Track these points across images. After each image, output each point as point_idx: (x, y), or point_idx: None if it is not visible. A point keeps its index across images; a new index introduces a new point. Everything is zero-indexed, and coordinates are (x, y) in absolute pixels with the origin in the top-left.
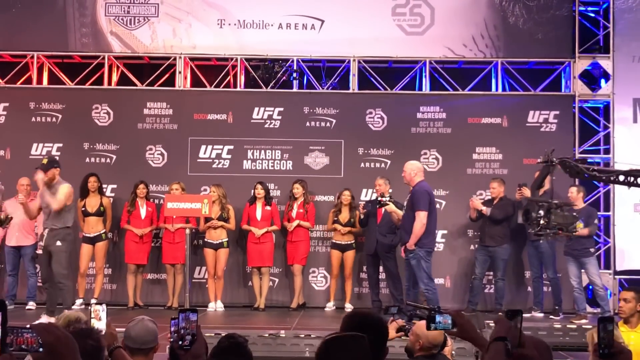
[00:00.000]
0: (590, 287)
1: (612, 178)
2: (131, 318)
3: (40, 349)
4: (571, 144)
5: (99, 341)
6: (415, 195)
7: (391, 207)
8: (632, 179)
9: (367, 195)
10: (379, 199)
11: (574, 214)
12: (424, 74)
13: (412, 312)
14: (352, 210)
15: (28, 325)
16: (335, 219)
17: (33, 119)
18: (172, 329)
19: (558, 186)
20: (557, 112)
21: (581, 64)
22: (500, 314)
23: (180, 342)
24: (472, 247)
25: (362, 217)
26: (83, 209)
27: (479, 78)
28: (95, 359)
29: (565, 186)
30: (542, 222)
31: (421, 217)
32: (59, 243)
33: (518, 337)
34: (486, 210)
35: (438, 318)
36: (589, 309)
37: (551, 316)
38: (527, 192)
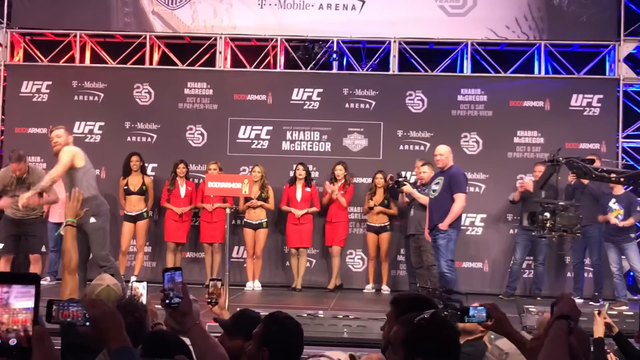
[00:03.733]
0: (631, 273)
1: (621, 179)
2: None
3: (87, 323)
4: (615, 128)
5: (142, 316)
6: (455, 178)
7: (408, 187)
8: None
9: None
10: (398, 179)
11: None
12: (465, 56)
13: (447, 300)
14: (386, 193)
15: (76, 299)
16: (370, 200)
17: (75, 98)
18: (167, 285)
19: None
20: (601, 96)
21: (626, 47)
22: (562, 292)
23: (167, 301)
24: (511, 231)
25: (392, 184)
26: (125, 187)
27: (521, 60)
28: (138, 334)
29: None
30: (548, 224)
31: (462, 199)
32: (92, 220)
33: (579, 315)
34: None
35: (472, 311)
36: (629, 295)
37: (591, 302)
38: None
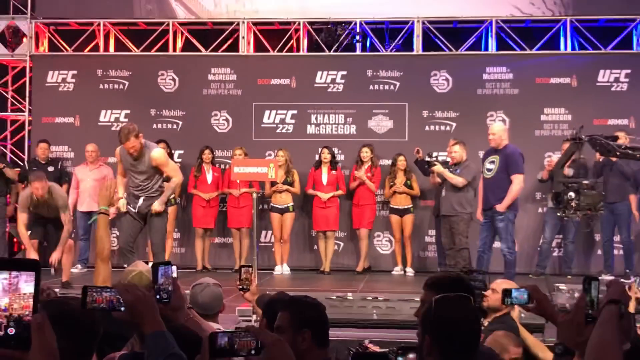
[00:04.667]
0: None
1: None
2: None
3: (122, 308)
4: None
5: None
6: (511, 158)
7: (439, 167)
8: None
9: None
10: (428, 159)
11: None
12: (490, 34)
13: (469, 280)
14: (407, 174)
15: (111, 286)
16: (392, 184)
17: (101, 86)
18: (161, 280)
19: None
20: (629, 71)
21: None
22: (613, 278)
23: (158, 297)
24: (539, 210)
25: (420, 158)
26: None
27: (547, 37)
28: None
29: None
30: (572, 204)
31: (520, 180)
32: (156, 206)
33: (630, 300)
34: (568, 170)
35: (514, 293)
36: None
37: (622, 279)
38: (624, 136)
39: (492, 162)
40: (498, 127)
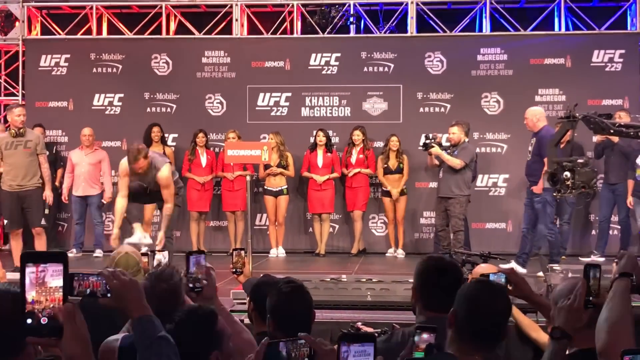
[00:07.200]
0: None
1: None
2: None
3: (108, 294)
4: (637, 84)
5: (177, 284)
6: (542, 141)
7: (436, 149)
8: None
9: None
10: (426, 141)
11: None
12: (484, 15)
13: (464, 259)
14: (399, 156)
15: (96, 272)
16: (385, 166)
17: (94, 70)
18: (192, 269)
19: None
20: (623, 51)
21: None
22: (623, 251)
23: (191, 286)
24: None
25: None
26: None
27: (541, 17)
28: (172, 301)
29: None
30: (568, 183)
31: None
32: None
33: None
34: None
35: (492, 277)
36: None
37: (615, 259)
38: (625, 116)
39: (531, 144)
40: (529, 112)
